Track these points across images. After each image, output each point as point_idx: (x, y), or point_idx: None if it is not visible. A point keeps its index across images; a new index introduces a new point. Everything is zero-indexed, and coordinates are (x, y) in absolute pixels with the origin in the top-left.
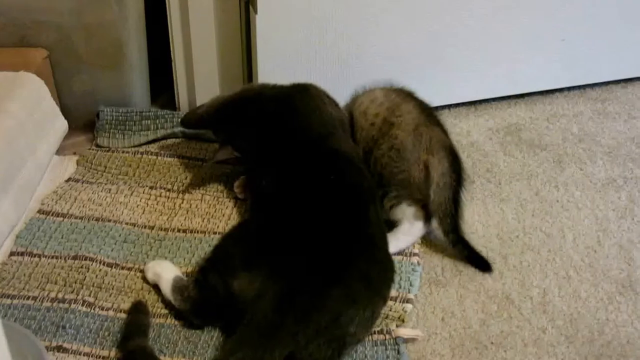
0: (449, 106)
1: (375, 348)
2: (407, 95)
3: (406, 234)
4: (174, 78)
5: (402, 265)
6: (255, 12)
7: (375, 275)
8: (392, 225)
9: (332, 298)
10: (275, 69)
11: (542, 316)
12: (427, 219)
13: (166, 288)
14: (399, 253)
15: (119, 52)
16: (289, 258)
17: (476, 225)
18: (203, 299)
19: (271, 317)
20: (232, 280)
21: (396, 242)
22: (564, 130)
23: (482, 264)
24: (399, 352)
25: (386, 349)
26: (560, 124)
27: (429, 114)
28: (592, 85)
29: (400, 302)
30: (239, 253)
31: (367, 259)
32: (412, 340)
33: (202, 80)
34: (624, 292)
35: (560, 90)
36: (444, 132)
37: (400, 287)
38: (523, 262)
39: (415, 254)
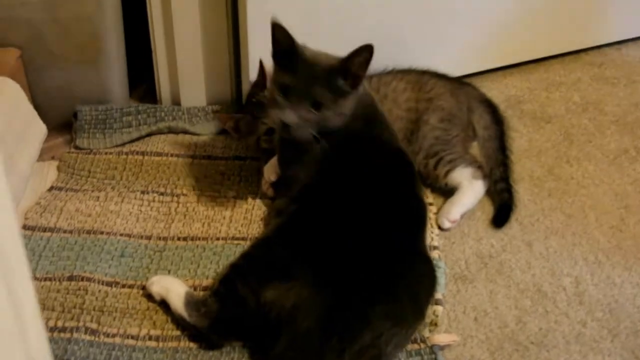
0: None
1: (410, 359)
2: (421, 72)
3: (468, 194)
4: (155, 69)
5: None
6: None
7: (422, 292)
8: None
9: (378, 316)
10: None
11: (579, 308)
12: (484, 177)
13: (177, 303)
14: None
15: (96, 46)
16: (334, 267)
17: (490, 208)
18: (226, 313)
19: (317, 333)
20: (265, 290)
21: (460, 204)
22: (566, 99)
23: (499, 220)
24: None
25: (422, 359)
26: (560, 93)
27: (451, 78)
28: (586, 50)
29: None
30: (274, 260)
31: (416, 274)
32: (447, 345)
33: (186, 70)
34: None
35: (554, 56)
36: (474, 87)
37: None
38: (549, 248)
39: (435, 247)
